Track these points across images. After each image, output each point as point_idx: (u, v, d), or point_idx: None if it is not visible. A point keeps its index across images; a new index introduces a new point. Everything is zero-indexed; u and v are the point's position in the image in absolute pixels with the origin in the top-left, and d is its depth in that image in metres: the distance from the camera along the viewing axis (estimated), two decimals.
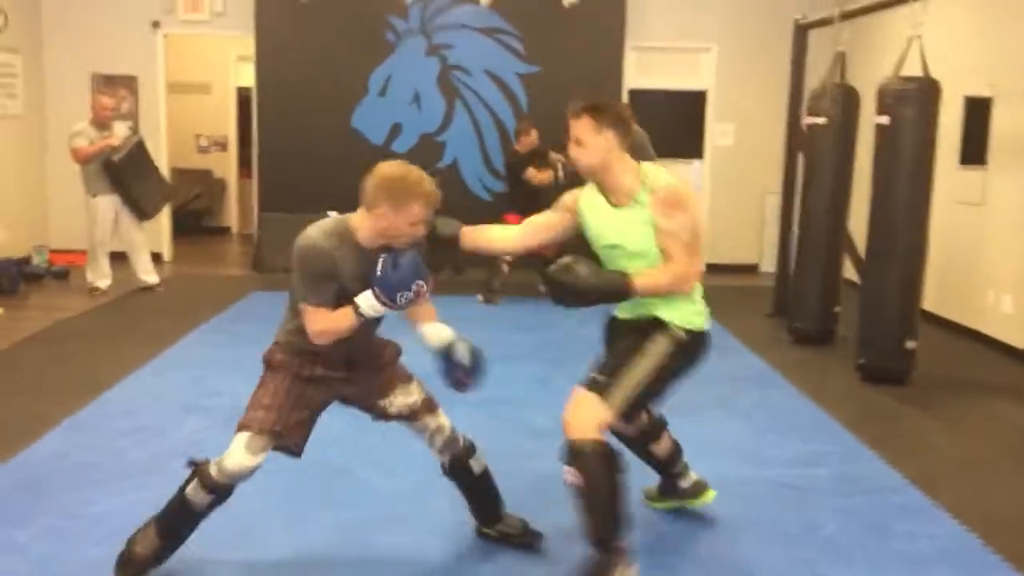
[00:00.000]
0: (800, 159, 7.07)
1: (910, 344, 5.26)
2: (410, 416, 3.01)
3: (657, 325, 2.84)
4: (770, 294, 7.50)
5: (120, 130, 7.47)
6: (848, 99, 6.09)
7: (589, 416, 2.77)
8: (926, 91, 5.09)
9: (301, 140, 9.20)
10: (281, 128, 9.23)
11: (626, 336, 2.89)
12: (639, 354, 2.81)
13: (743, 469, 4.02)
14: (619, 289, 2.77)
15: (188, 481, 2.81)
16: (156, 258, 8.54)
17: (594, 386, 2.81)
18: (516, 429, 4.44)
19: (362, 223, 2.77)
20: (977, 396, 5.30)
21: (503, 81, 9.30)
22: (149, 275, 7.77)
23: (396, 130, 9.33)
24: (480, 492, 3.19)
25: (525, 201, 7.06)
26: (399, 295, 2.67)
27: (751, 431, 4.59)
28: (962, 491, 3.83)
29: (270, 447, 2.80)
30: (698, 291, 2.92)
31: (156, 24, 9.22)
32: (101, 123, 7.27)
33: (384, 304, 2.68)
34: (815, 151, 6.22)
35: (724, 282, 8.97)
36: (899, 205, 5.20)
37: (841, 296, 6.37)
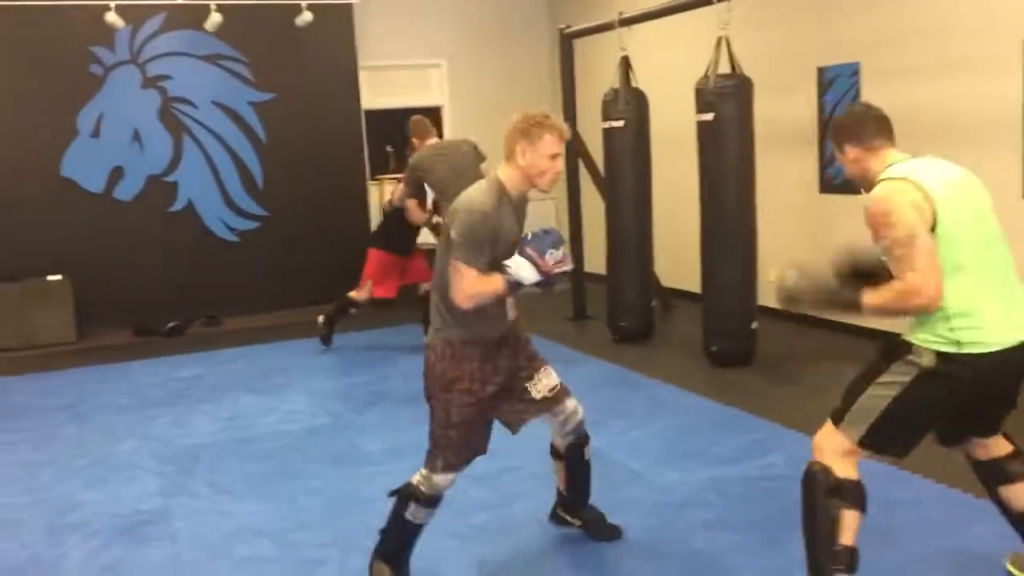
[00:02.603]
0: (580, 165, 7.31)
1: (754, 325, 5.61)
2: (553, 399, 3.11)
3: (903, 347, 2.60)
4: (563, 298, 7.62)
5: None
6: (640, 101, 6.35)
7: (826, 442, 2.67)
8: (743, 87, 5.45)
9: (2, 195, 7.80)
10: None
11: (877, 359, 2.66)
12: (873, 379, 2.61)
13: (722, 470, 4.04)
14: (846, 302, 2.63)
15: (402, 507, 3.02)
16: None
17: (834, 412, 2.69)
18: None
19: (508, 173, 2.90)
20: (812, 361, 5.77)
21: (235, 111, 8.55)
22: None
23: (117, 174, 8.21)
24: (582, 478, 3.34)
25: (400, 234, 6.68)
26: (549, 253, 2.81)
27: (671, 433, 4.61)
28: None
29: None
30: (958, 307, 2.48)
31: None
32: None
33: (534, 263, 2.80)
34: (614, 153, 6.42)
35: None
36: (729, 195, 5.52)
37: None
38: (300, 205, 8.74)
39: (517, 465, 4.13)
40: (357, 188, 9.02)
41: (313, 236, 8.76)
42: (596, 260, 7.61)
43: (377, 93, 9.20)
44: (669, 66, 7.10)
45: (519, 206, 2.96)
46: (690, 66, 5.96)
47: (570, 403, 3.17)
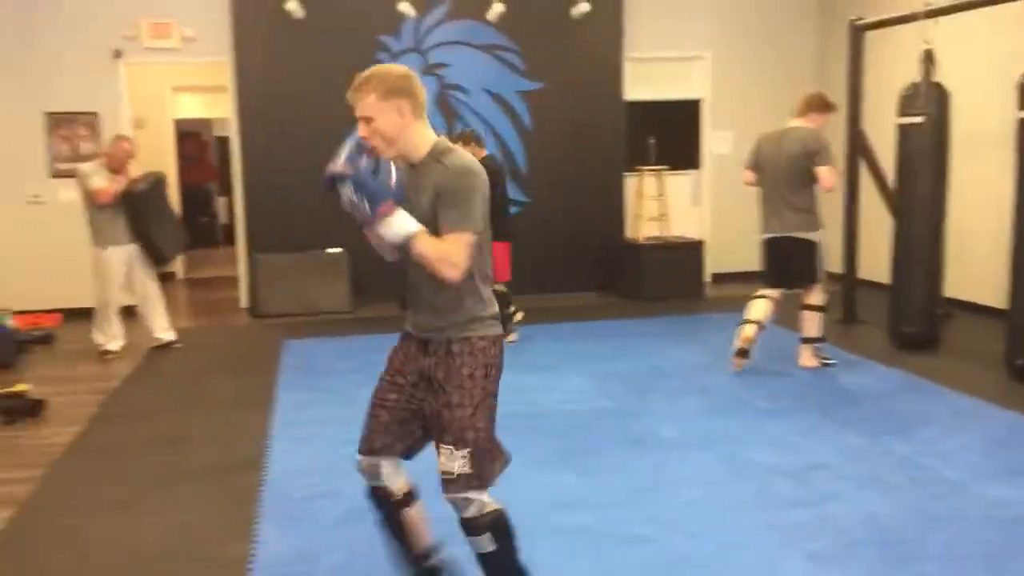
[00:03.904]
0: (860, 163, 7.04)
1: None
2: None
3: None
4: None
5: (132, 174, 6.55)
6: (942, 97, 6.03)
7: None
8: None
9: (290, 172, 8.42)
10: (267, 160, 8.45)
11: None
12: None
13: None
14: None
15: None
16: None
17: None
18: None
19: None
20: None
21: (503, 99, 8.85)
22: (166, 332, 6.87)
23: None
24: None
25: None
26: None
27: (987, 445, 4.37)
28: None
29: None
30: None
31: (118, 54, 8.24)
32: (117, 168, 6.35)
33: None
34: (910, 151, 6.12)
35: (731, 291, 8.86)
36: None
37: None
38: (559, 193, 8.95)
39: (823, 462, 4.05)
40: (615, 178, 9.11)
41: (571, 224, 8.94)
42: (870, 264, 7.33)
43: (638, 85, 9.23)
44: (974, 60, 6.70)
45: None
46: (998, 59, 5.59)
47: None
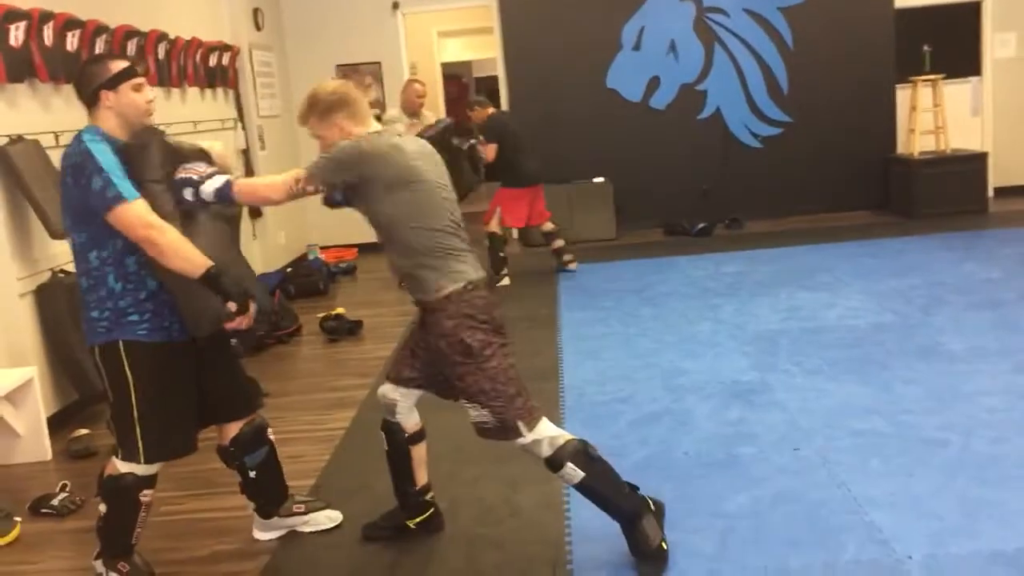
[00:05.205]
0: None
1: None
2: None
3: None
4: None
5: (429, 119, 7.12)
6: None
7: None
8: None
9: (555, 108, 8.77)
10: (532, 97, 8.82)
11: None
12: None
13: None
14: None
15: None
16: None
17: None
18: None
19: None
20: None
21: (764, 18, 8.69)
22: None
23: (653, 84, 8.84)
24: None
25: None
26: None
27: None
28: None
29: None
30: None
31: (396, 6, 8.89)
32: (412, 111, 6.94)
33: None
34: None
35: (1018, 206, 8.29)
36: None
37: None
38: (824, 110, 8.72)
39: None
40: (885, 91, 8.74)
41: (837, 141, 8.72)
42: None
43: None
44: None
45: None
46: None
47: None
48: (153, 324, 2.72)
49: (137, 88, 2.73)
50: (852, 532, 2.87)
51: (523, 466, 2.68)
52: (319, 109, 2.77)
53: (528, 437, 2.67)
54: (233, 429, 3.00)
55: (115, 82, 2.69)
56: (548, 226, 7.31)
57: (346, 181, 2.71)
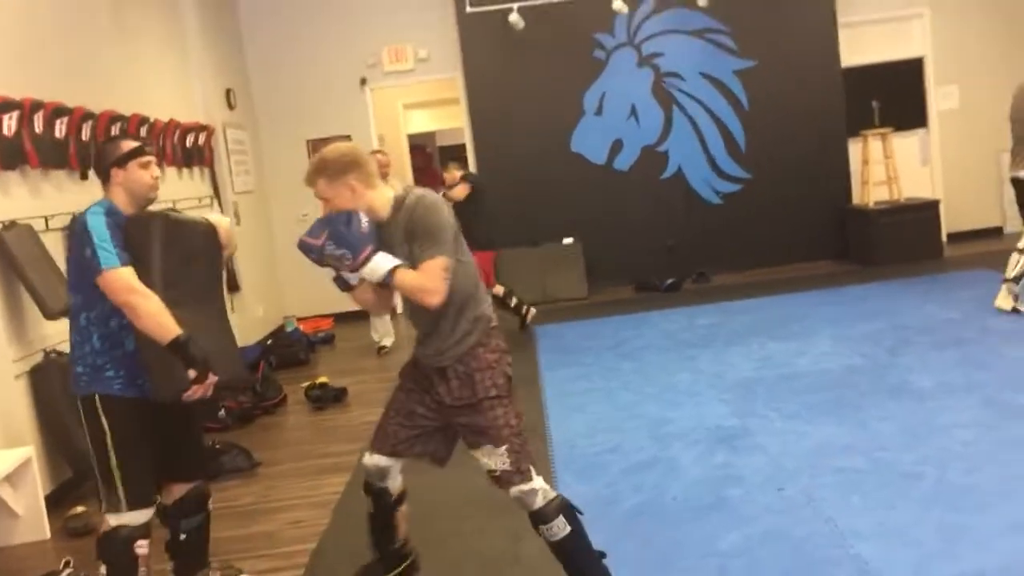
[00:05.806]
0: None
1: None
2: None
3: None
4: None
5: (397, 188, 7.32)
6: None
7: None
8: None
9: (522, 173, 9.04)
10: (500, 163, 9.07)
11: None
12: None
13: None
14: None
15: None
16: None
17: None
18: None
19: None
20: None
21: (720, 81, 9.07)
22: None
23: (617, 147, 9.15)
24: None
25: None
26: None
27: None
28: None
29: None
30: None
31: (363, 81, 9.16)
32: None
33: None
34: None
35: (970, 250, 8.63)
36: None
37: None
38: (781, 165, 9.07)
39: None
40: (837, 145, 9.12)
41: (795, 194, 9.04)
42: None
43: (854, 50, 9.17)
44: None
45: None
46: None
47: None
48: (127, 380, 2.90)
49: (144, 165, 2.93)
50: (840, 565, 3.02)
51: (522, 518, 2.79)
52: (329, 171, 2.73)
53: (529, 484, 2.77)
54: (179, 490, 3.14)
55: (124, 160, 2.90)
56: (498, 289, 7.43)
57: None
